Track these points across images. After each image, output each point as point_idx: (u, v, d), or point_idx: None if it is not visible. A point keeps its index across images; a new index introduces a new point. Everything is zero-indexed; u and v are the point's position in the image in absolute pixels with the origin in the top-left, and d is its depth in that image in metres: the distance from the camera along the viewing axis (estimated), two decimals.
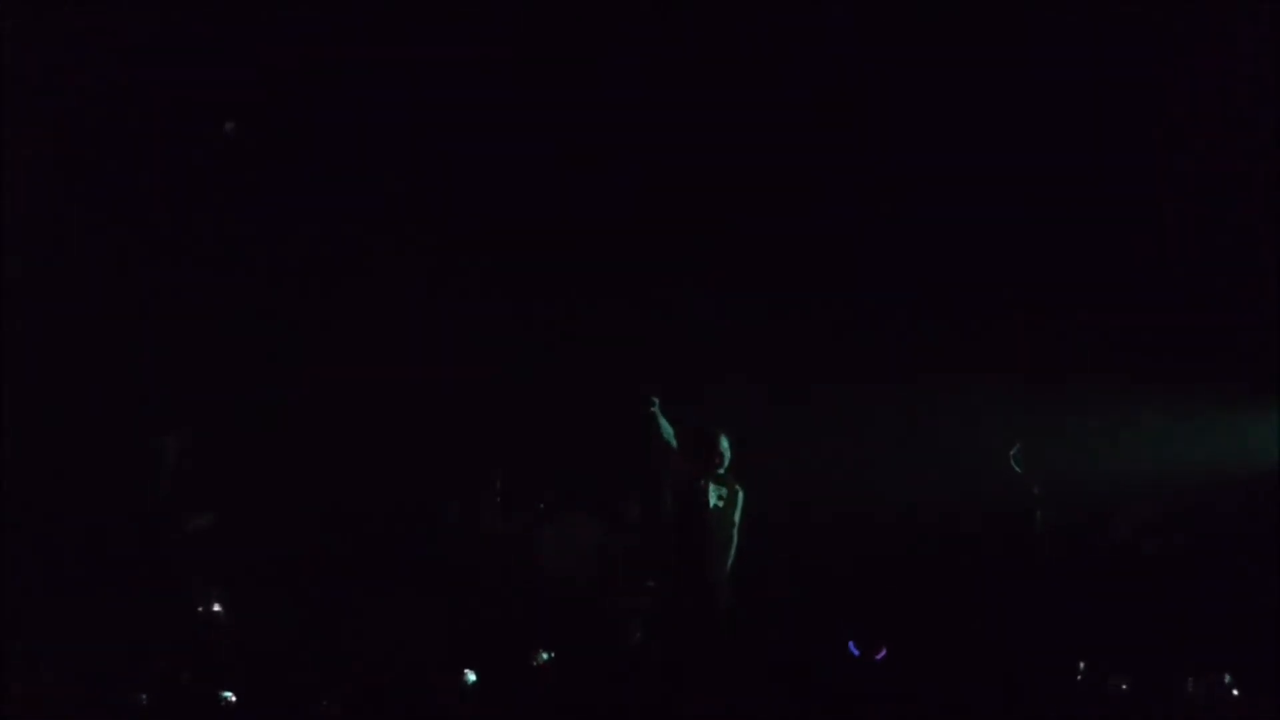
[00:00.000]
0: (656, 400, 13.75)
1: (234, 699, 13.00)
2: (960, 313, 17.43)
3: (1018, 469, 16.19)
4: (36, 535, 15.12)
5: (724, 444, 13.97)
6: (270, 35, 17.31)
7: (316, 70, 17.48)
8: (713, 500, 13.91)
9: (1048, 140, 17.25)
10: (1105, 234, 17.36)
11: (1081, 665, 14.34)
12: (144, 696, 13.03)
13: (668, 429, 13.84)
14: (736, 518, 13.99)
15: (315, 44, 17.39)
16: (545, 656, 13.83)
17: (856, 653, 14.28)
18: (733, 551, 14.00)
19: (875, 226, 17.55)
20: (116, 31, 17.28)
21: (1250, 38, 16.88)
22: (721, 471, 13.96)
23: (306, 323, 17.16)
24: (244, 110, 17.64)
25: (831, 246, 17.58)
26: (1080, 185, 17.25)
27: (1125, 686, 14.08)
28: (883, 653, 14.40)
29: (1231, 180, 17.06)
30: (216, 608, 14.28)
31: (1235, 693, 13.89)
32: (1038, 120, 17.31)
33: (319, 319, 17.20)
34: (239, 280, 17.20)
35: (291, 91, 17.54)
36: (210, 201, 17.31)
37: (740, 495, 14.01)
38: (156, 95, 17.43)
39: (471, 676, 13.57)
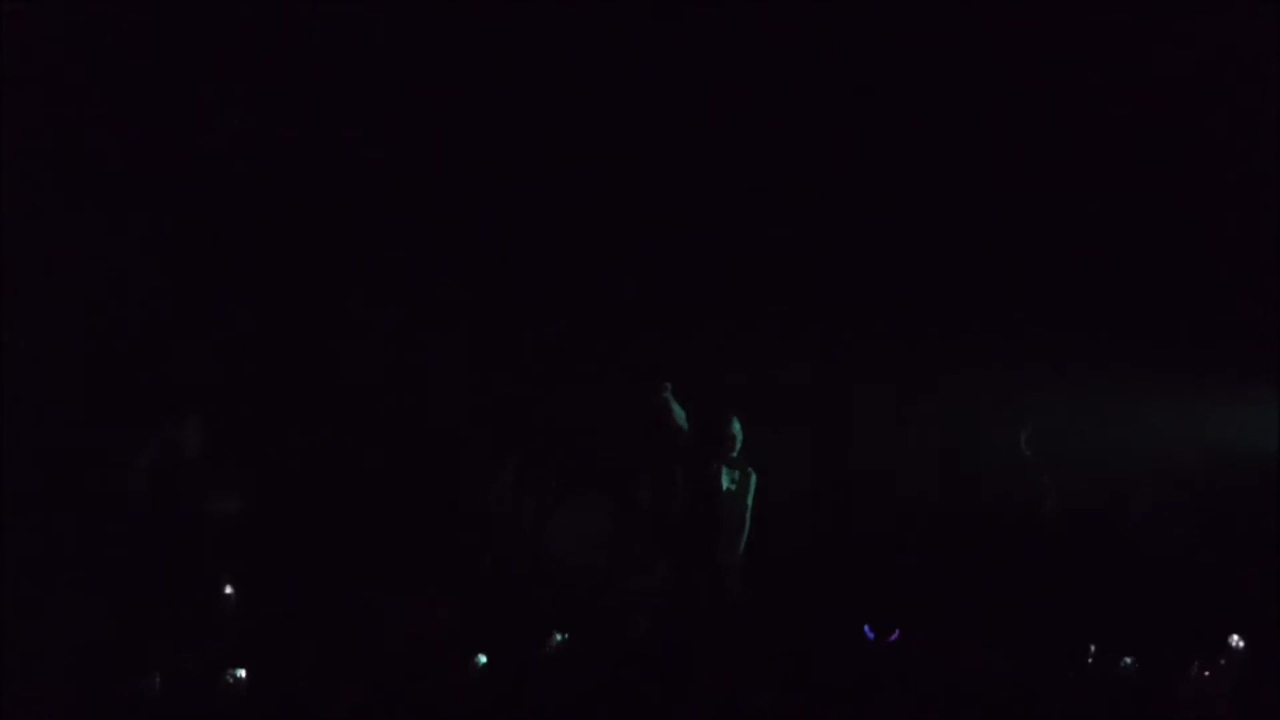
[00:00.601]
0: (669, 384, 13.78)
1: (243, 675, 12.97)
2: (968, 301, 17.47)
3: (1027, 453, 16.24)
4: (45, 518, 15.04)
5: (736, 427, 14.00)
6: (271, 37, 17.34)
7: (319, 69, 17.48)
8: (725, 484, 13.92)
9: (1052, 136, 17.34)
10: (1112, 225, 17.47)
11: (1092, 648, 14.34)
12: (157, 678, 12.98)
13: (680, 412, 13.86)
14: (749, 501, 14.00)
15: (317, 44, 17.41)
16: (559, 638, 13.79)
17: (872, 635, 14.26)
18: (745, 535, 13.99)
19: (890, 213, 17.59)
20: (116, 30, 17.27)
21: (1251, 35, 17.03)
22: (734, 455, 13.96)
23: (315, 310, 17.12)
24: (245, 108, 17.59)
25: (844, 234, 17.61)
26: (1090, 181, 17.38)
27: (1137, 667, 14.10)
28: (895, 635, 14.38)
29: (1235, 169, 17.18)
30: (228, 589, 14.25)
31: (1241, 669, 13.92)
32: (1040, 116, 17.40)
33: (328, 307, 17.16)
34: (246, 266, 17.16)
35: (295, 90, 17.51)
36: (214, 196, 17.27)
37: (753, 479, 14.04)
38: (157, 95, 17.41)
39: (482, 659, 13.52)
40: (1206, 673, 13.92)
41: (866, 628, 14.35)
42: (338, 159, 17.61)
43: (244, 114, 17.67)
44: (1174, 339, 17.17)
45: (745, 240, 17.70)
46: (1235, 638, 14.01)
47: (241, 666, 13.27)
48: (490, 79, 17.83)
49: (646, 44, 17.83)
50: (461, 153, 17.76)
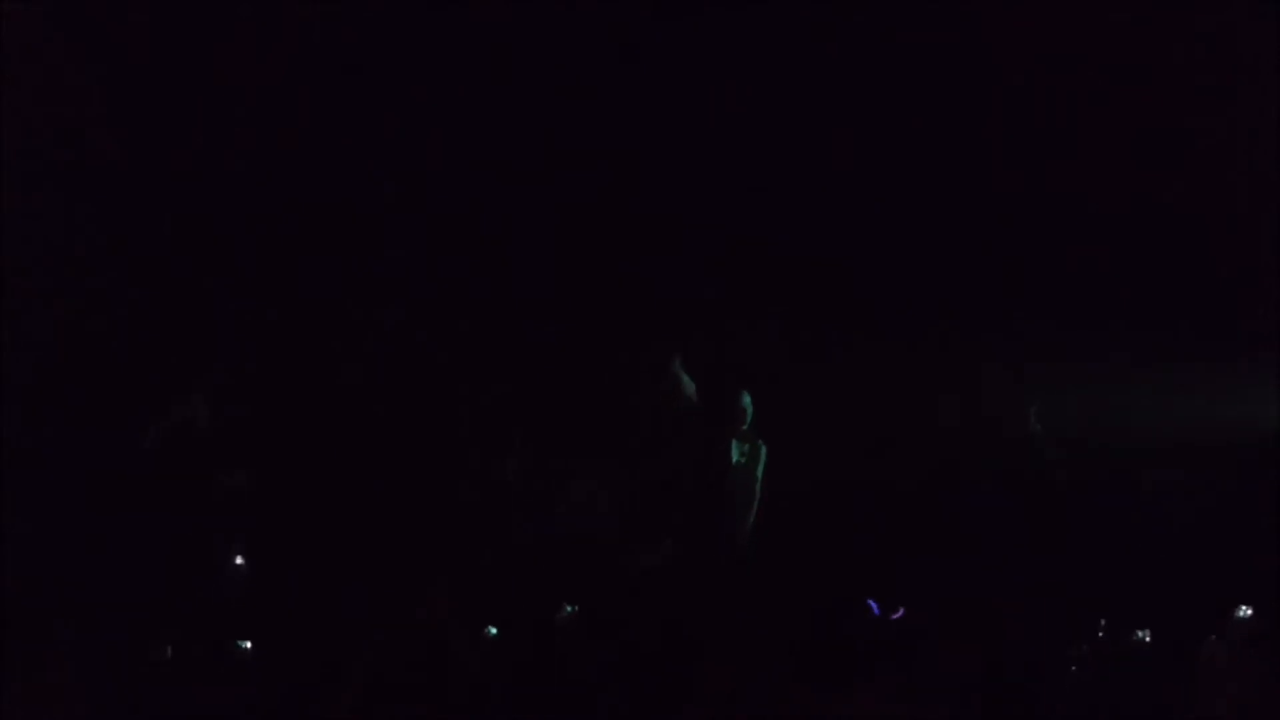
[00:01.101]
0: (679, 357, 13.77)
1: (249, 647, 12.89)
2: (976, 285, 17.52)
3: (1037, 427, 16.23)
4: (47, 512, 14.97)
5: (746, 400, 13.97)
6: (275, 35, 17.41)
7: (319, 68, 17.54)
8: (735, 457, 13.89)
9: (1052, 136, 17.45)
10: (1112, 225, 17.56)
11: (1102, 622, 14.29)
12: (168, 649, 12.90)
13: (690, 385, 13.85)
14: (759, 474, 13.95)
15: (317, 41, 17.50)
16: (569, 609, 13.68)
17: (877, 610, 14.15)
18: (754, 508, 13.94)
19: (890, 213, 17.64)
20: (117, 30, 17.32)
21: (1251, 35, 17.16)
22: (744, 428, 13.93)
23: (315, 309, 17.11)
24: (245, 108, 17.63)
25: (844, 233, 17.64)
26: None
27: (1147, 640, 14.05)
28: (900, 612, 14.27)
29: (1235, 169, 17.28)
30: (239, 560, 14.18)
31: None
32: (1040, 116, 17.52)
33: (328, 307, 17.16)
34: (246, 266, 17.16)
35: (295, 90, 17.56)
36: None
37: (763, 452, 13.99)
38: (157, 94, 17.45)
39: (493, 631, 13.44)
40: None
41: (871, 603, 14.22)
42: (337, 159, 17.58)
43: (244, 114, 17.67)
44: (1174, 337, 17.17)
45: (745, 240, 17.69)
46: (1244, 609, 13.93)
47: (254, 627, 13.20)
48: (490, 79, 17.86)
49: (646, 44, 17.90)
50: (461, 153, 17.76)
